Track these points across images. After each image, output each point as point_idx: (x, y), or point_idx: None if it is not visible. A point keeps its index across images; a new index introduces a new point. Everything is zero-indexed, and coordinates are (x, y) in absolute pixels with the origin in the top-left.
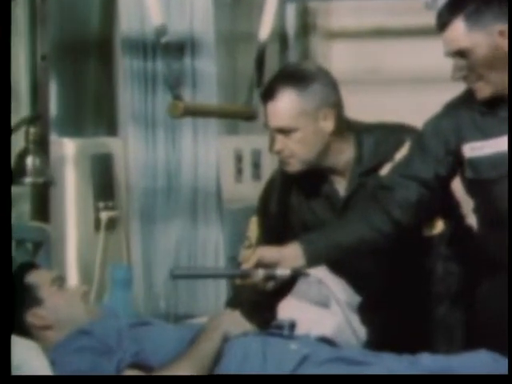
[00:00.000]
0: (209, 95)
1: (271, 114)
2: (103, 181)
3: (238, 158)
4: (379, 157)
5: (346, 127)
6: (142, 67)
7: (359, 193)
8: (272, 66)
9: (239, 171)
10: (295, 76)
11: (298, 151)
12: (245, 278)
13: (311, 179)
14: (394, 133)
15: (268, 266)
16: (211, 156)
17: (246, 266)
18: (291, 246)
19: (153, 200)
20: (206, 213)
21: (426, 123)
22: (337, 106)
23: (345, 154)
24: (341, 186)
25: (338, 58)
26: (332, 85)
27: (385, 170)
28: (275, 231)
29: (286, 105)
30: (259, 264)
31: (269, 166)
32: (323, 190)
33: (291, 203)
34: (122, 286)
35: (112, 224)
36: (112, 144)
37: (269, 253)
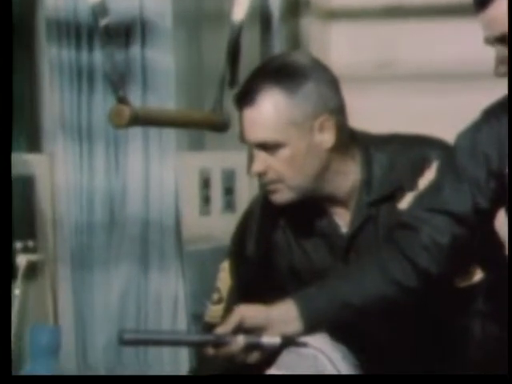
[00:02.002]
0: (165, 97)
1: (250, 123)
2: (22, 212)
3: (205, 182)
4: (394, 181)
5: (349, 141)
6: (75, 59)
7: (367, 229)
8: (250, 58)
9: (206, 199)
10: (282, 73)
11: (287, 174)
12: (220, 346)
13: (302, 210)
14: (414, 148)
15: (251, 330)
16: (168, 179)
17: (221, 331)
18: (283, 305)
19: (89, 239)
20: (161, 256)
21: (460, 136)
22: (338, 112)
23: (348, 176)
24: (342, 219)
25: (338, 47)
26: (331, 84)
27: (405, 203)
28: (254, 281)
29: (269, 112)
30: (239, 328)
31: (245, 193)
32: (319, 225)
33: (276, 243)
34: (46, 353)
35: (33, 271)
36: (34, 162)
37: (252, 313)
